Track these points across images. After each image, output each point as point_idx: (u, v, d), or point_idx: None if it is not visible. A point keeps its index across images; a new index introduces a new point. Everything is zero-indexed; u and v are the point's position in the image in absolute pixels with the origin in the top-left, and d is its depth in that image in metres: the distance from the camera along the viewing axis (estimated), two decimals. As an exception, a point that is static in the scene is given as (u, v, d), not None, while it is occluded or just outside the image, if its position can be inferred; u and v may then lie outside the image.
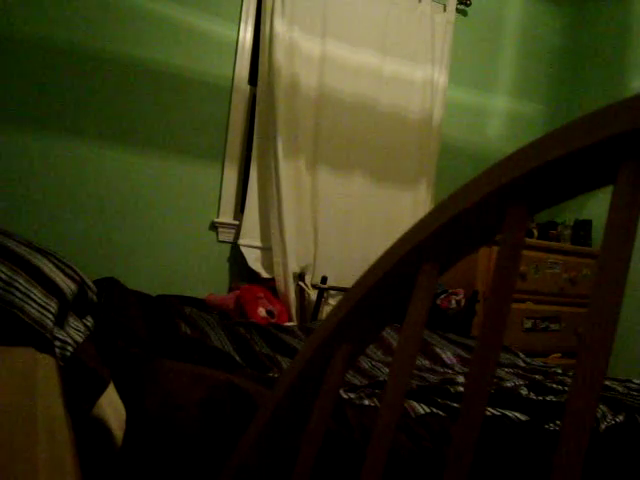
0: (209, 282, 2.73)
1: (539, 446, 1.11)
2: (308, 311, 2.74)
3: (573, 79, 3.53)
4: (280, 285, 2.68)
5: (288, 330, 1.97)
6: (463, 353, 1.88)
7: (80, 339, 1.05)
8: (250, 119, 2.82)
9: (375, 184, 2.95)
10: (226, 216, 2.77)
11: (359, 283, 0.45)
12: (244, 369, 1.25)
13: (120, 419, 0.91)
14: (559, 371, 1.74)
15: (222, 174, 2.76)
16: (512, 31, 3.45)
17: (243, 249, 2.71)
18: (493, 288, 0.36)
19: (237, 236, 2.75)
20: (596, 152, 0.31)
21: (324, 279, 2.72)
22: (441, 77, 3.09)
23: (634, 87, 3.12)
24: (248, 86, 2.80)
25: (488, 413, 1.14)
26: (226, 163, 2.76)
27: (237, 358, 1.46)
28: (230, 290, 2.73)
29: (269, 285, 2.68)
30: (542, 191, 0.35)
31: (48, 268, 1.14)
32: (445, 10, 3.15)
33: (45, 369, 0.79)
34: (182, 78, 2.66)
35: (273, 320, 2.42)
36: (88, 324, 1.27)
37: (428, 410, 1.14)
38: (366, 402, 1.14)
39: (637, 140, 0.29)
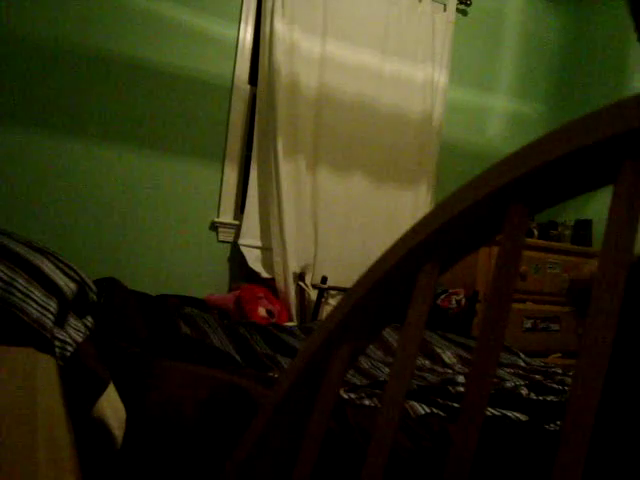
0: (209, 282, 2.73)
1: (539, 446, 1.11)
2: (308, 311, 2.74)
3: (573, 79, 3.53)
4: (280, 285, 2.68)
5: (288, 330, 1.97)
6: (463, 353, 1.88)
7: (80, 339, 1.05)
8: (250, 119, 2.82)
9: (375, 184, 2.95)
10: (226, 216, 2.77)
11: (359, 283, 0.45)
12: (244, 369, 1.25)
13: (120, 419, 0.90)
14: (559, 371, 1.74)
15: (222, 174, 2.76)
16: (512, 31, 3.45)
17: (243, 249, 2.71)
18: (493, 288, 0.36)
19: (237, 236, 2.75)
20: (596, 152, 0.31)
21: (324, 279, 2.72)
22: (441, 77, 3.09)
23: (634, 87, 3.12)
24: (248, 86, 2.80)
25: (488, 413, 1.14)
26: (226, 163, 2.75)
27: (237, 358, 1.46)
28: (230, 290, 2.73)
29: (269, 285, 2.68)
30: (542, 191, 0.35)
31: (48, 268, 1.14)
32: (445, 10, 3.15)
33: (45, 369, 0.79)
34: (182, 78, 2.65)
35: (273, 320, 2.42)
36: (88, 324, 1.26)
37: (428, 410, 1.14)
38: (366, 402, 1.14)
39: (637, 140, 0.29)
